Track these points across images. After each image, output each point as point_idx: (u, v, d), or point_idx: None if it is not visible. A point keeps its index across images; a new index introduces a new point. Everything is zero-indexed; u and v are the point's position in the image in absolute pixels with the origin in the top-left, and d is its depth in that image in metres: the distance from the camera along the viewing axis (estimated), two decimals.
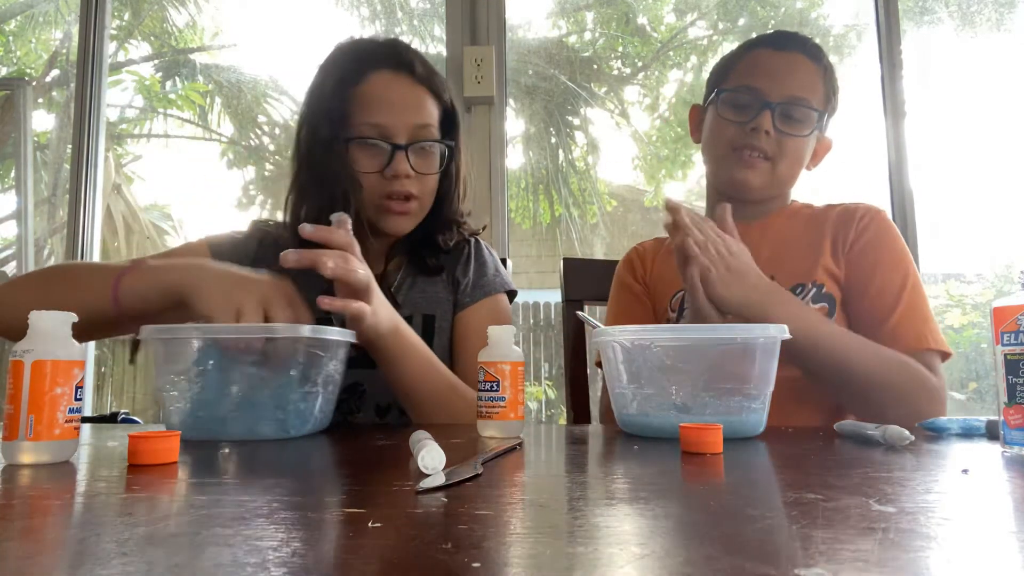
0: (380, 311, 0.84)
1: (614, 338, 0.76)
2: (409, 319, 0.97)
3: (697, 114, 1.22)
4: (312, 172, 1.03)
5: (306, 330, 0.74)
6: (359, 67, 1.01)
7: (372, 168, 1.00)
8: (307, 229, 0.80)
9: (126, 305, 0.83)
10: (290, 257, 0.77)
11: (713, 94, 1.15)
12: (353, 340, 0.82)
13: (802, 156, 1.12)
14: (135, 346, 0.93)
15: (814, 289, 1.04)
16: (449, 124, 1.07)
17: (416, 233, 1.08)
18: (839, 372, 0.91)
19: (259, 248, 1.07)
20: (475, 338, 1.03)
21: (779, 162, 1.09)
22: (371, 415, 1.04)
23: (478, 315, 1.07)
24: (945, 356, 1.01)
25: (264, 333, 0.74)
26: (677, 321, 1.13)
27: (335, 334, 0.77)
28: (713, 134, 1.15)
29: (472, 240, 1.14)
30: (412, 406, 0.94)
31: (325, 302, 0.76)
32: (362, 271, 0.81)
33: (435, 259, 1.09)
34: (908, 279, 1.03)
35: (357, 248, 0.83)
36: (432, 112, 1.03)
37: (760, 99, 1.07)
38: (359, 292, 0.81)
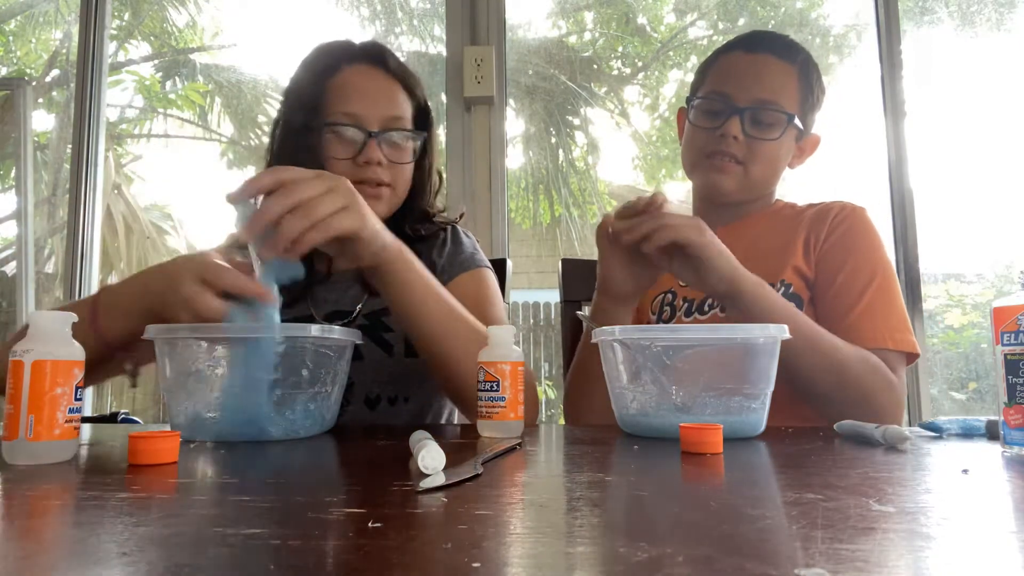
0: (373, 218, 0.79)
1: (614, 338, 0.76)
2: None
3: (683, 117, 1.23)
4: (282, 163, 1.04)
5: (314, 329, 0.73)
6: (335, 61, 1.05)
7: (345, 155, 1.01)
8: (232, 194, 0.73)
9: (106, 326, 0.80)
10: (245, 233, 0.71)
11: (688, 103, 1.18)
12: (359, 341, 0.82)
13: (776, 158, 1.12)
14: (134, 371, 0.93)
15: (782, 288, 1.05)
16: (422, 121, 1.10)
17: (390, 225, 1.08)
18: (804, 359, 0.90)
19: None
20: (461, 298, 1.00)
21: (751, 166, 1.10)
22: (361, 407, 1.03)
23: (463, 287, 1.07)
24: (911, 358, 1.00)
25: (274, 333, 0.73)
26: (657, 323, 1.14)
27: (341, 332, 0.77)
28: (687, 142, 1.17)
29: (449, 227, 1.16)
30: (423, 335, 0.88)
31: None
32: (319, 188, 0.74)
33: (410, 247, 1.08)
34: (876, 277, 1.02)
35: (296, 171, 0.75)
36: (405, 106, 1.06)
37: (729, 105, 1.08)
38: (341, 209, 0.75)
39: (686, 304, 1.13)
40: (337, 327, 0.77)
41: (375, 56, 1.06)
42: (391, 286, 0.84)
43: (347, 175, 1.00)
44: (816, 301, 1.05)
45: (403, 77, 1.07)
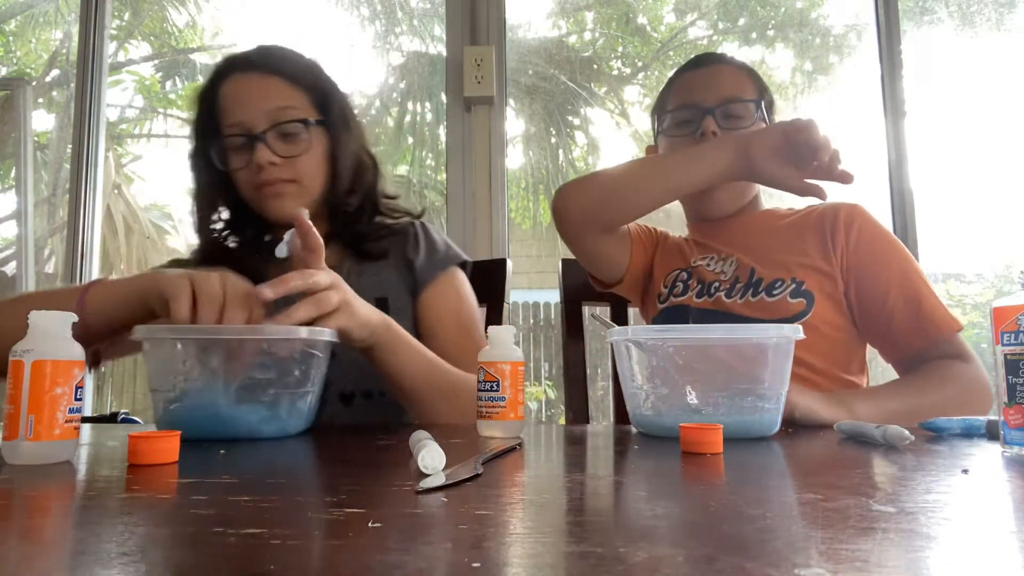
0: (362, 312, 0.84)
1: (628, 337, 0.76)
2: None
3: (653, 153, 1.29)
4: (198, 190, 1.09)
5: (303, 331, 0.75)
6: (216, 78, 1.06)
7: (242, 164, 1.03)
8: (280, 252, 0.82)
9: (91, 314, 0.82)
10: (267, 293, 0.75)
11: (658, 122, 1.24)
12: (337, 340, 0.82)
13: None
14: (95, 357, 0.95)
15: (793, 285, 1.09)
16: (327, 109, 1.07)
17: (340, 231, 1.10)
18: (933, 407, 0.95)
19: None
20: (444, 315, 1.07)
21: None
22: (336, 405, 1.04)
23: (441, 292, 1.10)
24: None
25: (261, 335, 0.74)
26: (666, 299, 1.19)
27: (330, 335, 0.78)
28: None
29: (418, 223, 1.16)
30: (416, 401, 0.93)
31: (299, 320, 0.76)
32: (325, 281, 0.80)
33: (376, 244, 1.10)
34: (914, 268, 1.08)
35: (322, 253, 0.83)
36: (289, 97, 1.04)
37: (699, 108, 1.15)
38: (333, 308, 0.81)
39: (699, 286, 1.16)
40: (326, 329, 0.78)
41: (243, 63, 1.05)
42: (381, 360, 0.89)
43: (250, 183, 1.04)
44: (878, 315, 1.07)
45: (283, 71, 1.05)
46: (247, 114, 1.02)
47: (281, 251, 0.81)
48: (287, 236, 0.81)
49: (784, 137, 1.01)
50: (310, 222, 0.82)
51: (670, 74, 1.26)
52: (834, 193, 1.07)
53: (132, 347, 1.04)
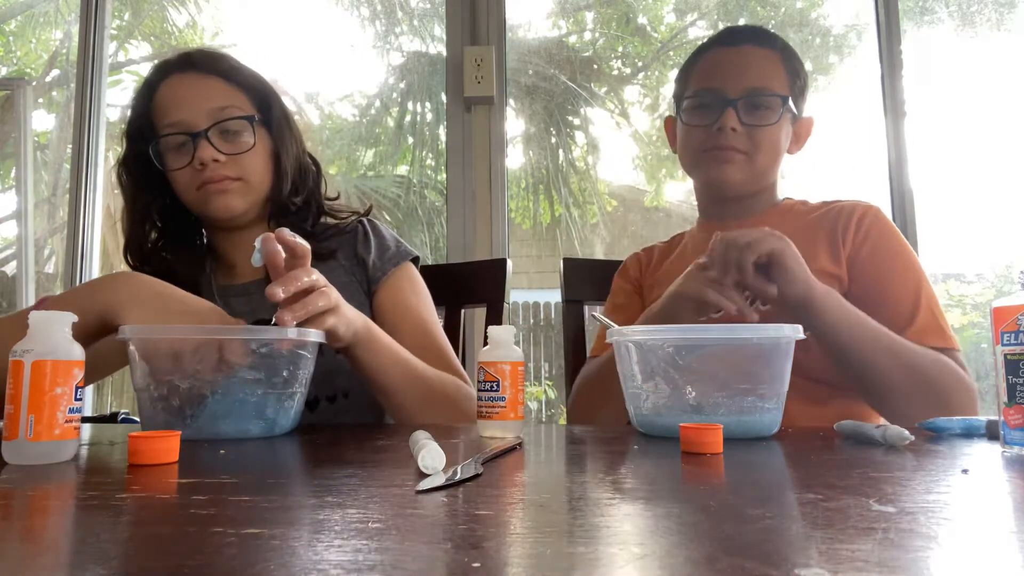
0: (348, 312, 0.84)
1: (628, 338, 0.76)
2: None
3: (672, 125, 1.23)
4: (132, 199, 1.07)
5: (292, 332, 0.75)
6: (152, 82, 1.05)
7: (182, 164, 1.01)
8: (256, 261, 0.79)
9: None
10: (279, 294, 0.74)
11: (678, 101, 1.17)
12: (324, 340, 0.82)
13: (777, 145, 1.12)
14: None
15: None
16: (268, 110, 1.07)
17: (284, 224, 1.07)
18: (881, 363, 0.91)
19: None
20: (405, 312, 1.07)
21: (755, 155, 1.09)
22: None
23: (397, 288, 1.10)
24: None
25: (249, 335, 0.75)
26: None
27: (317, 336, 0.79)
28: (684, 142, 1.16)
29: (365, 221, 1.16)
30: (395, 400, 0.93)
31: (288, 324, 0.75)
32: (323, 280, 0.80)
33: (324, 245, 1.09)
34: (920, 280, 1.04)
35: (309, 257, 0.81)
36: (231, 96, 1.03)
37: (721, 98, 1.08)
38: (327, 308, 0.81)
39: None
40: (312, 330, 0.78)
41: (182, 64, 1.04)
42: (362, 360, 0.89)
43: (192, 182, 1.01)
44: (869, 311, 1.02)
45: (221, 71, 1.04)
46: (187, 113, 1.00)
47: (256, 260, 0.80)
48: (257, 244, 0.80)
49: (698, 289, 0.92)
50: (289, 234, 0.80)
51: (702, 41, 1.17)
52: (849, 191, 1.04)
53: (103, 369, 1.03)
